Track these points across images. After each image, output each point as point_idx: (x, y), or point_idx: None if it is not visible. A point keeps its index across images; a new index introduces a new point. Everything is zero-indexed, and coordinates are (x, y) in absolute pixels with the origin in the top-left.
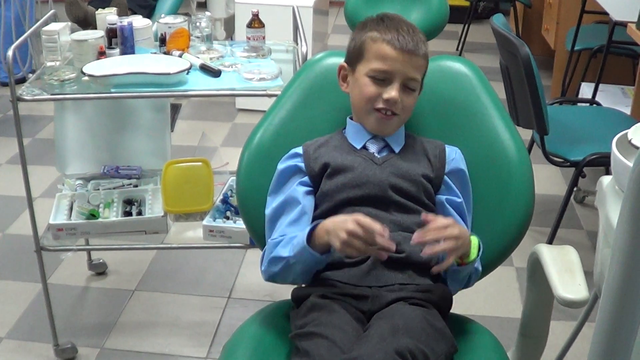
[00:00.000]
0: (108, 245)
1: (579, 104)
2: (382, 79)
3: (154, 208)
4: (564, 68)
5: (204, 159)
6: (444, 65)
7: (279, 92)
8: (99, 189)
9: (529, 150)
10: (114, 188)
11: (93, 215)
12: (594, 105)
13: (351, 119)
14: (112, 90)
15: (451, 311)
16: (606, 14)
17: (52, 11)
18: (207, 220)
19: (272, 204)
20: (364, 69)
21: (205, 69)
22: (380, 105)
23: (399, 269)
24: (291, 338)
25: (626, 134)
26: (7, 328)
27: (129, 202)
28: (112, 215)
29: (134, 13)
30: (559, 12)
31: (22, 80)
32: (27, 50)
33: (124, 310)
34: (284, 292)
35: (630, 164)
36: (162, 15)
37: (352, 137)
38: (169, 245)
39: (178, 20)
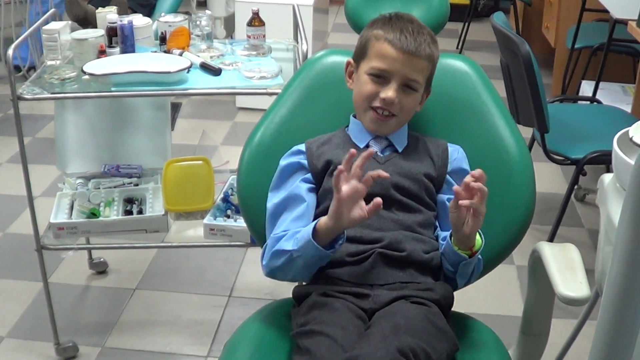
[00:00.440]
0: (109, 244)
1: (579, 102)
2: (381, 78)
3: (155, 207)
4: (565, 66)
5: (205, 157)
6: (444, 63)
7: (279, 91)
8: (99, 188)
9: (530, 148)
10: (115, 187)
11: (94, 214)
12: (595, 103)
13: (354, 117)
14: (113, 89)
15: (452, 309)
16: (606, 11)
17: (52, 10)
18: (208, 219)
19: (273, 199)
20: (365, 66)
21: (205, 67)
22: (377, 104)
23: (400, 268)
24: (292, 336)
25: (627, 131)
26: (8, 327)
27: (129, 201)
28: (113, 214)
29: (134, 12)
30: (559, 10)
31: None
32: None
33: (125, 309)
34: (285, 290)
35: (632, 162)
36: (163, 14)
37: (355, 135)
38: (170, 244)
39: (178, 19)
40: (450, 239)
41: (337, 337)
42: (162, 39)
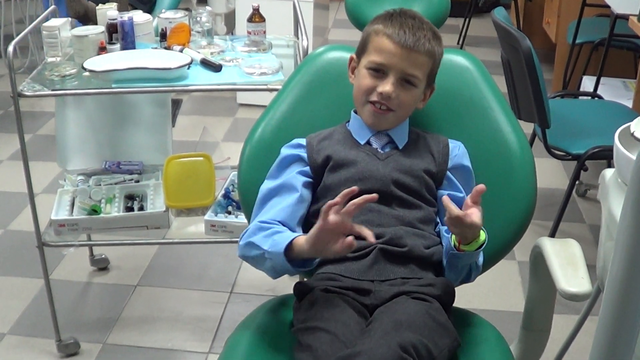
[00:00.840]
0: (110, 241)
1: (580, 97)
2: (379, 72)
3: (156, 203)
4: (566, 61)
5: (206, 154)
6: (445, 59)
7: (279, 87)
8: (100, 185)
9: (531, 143)
10: (116, 183)
11: (95, 211)
12: (596, 98)
13: (355, 112)
14: (113, 85)
15: (454, 305)
16: (607, 7)
17: (52, 7)
18: (209, 215)
19: (268, 185)
20: (365, 61)
21: (206, 63)
22: (374, 98)
23: (401, 263)
24: (293, 332)
25: (629, 126)
26: (9, 324)
27: (130, 198)
28: (114, 210)
29: (135, 8)
30: (560, 5)
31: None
32: None
33: (126, 305)
34: (286, 286)
35: (633, 157)
36: (163, 10)
37: (356, 131)
38: (171, 241)
39: (178, 15)
40: None
41: (338, 333)
42: (163, 36)
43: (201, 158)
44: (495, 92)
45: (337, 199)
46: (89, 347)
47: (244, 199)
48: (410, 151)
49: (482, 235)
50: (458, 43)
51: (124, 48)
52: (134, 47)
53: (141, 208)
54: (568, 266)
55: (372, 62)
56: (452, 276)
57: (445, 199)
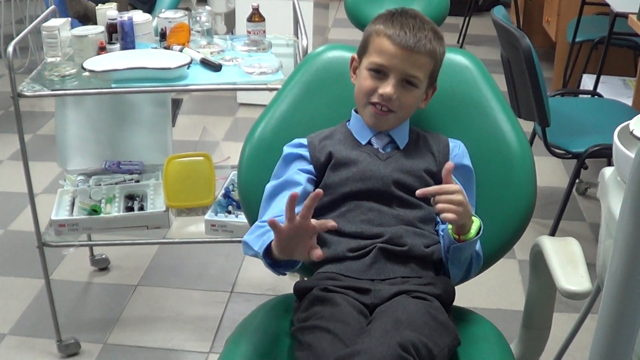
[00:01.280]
0: (110, 241)
1: (580, 96)
2: (380, 73)
3: (156, 203)
4: (565, 60)
5: (206, 153)
6: (445, 58)
7: (279, 86)
8: (100, 185)
9: (531, 142)
10: (116, 183)
11: (95, 211)
12: (596, 96)
13: (356, 111)
14: (113, 85)
15: (454, 304)
16: (607, 5)
17: (52, 7)
18: (209, 215)
19: (273, 183)
20: (366, 61)
21: (205, 63)
22: (375, 99)
23: (401, 262)
24: (293, 332)
25: (628, 125)
26: (10, 324)
27: (130, 198)
28: (114, 210)
29: (134, 8)
30: (560, 3)
31: None
32: None
33: (127, 305)
34: (287, 285)
35: (632, 155)
36: (163, 10)
37: (357, 131)
38: (171, 240)
39: (178, 15)
40: None
41: (338, 332)
42: (162, 35)
43: (201, 158)
44: (495, 90)
45: (295, 192)
46: (90, 347)
47: (244, 198)
48: (411, 151)
49: (476, 221)
50: (458, 42)
51: (123, 48)
52: (133, 47)
53: (141, 208)
54: (568, 264)
55: (373, 63)
56: (456, 272)
57: (420, 193)
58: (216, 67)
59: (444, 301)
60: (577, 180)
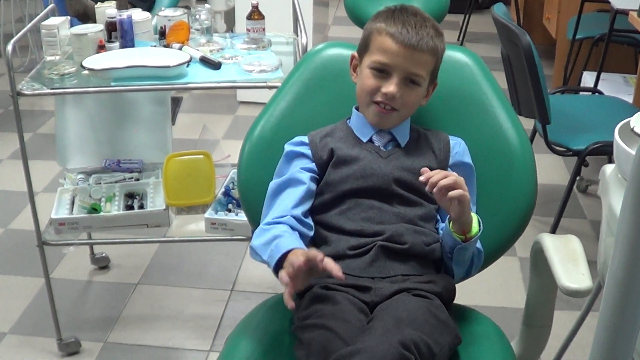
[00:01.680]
0: (110, 239)
1: (581, 93)
2: (382, 72)
3: (156, 201)
4: (566, 57)
5: (206, 151)
6: (445, 55)
7: (279, 84)
8: (100, 183)
9: (531, 139)
10: (116, 182)
11: (95, 209)
12: (596, 94)
13: (357, 109)
14: (112, 83)
15: (455, 302)
16: (607, 2)
17: (51, 5)
18: (209, 213)
19: (276, 181)
20: (367, 60)
21: (205, 61)
22: (378, 98)
23: (402, 260)
24: (294, 330)
25: (628, 122)
26: (10, 323)
27: (130, 196)
28: (114, 209)
29: (134, 6)
30: (560, 1)
31: None
32: None
33: (127, 304)
34: None
35: (633, 152)
36: (162, 8)
37: (358, 129)
38: (171, 239)
39: (177, 13)
40: (449, 223)
41: (339, 331)
42: (162, 34)
43: (201, 156)
44: (495, 88)
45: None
46: (90, 346)
47: (243, 196)
48: (412, 149)
49: (474, 215)
50: (458, 39)
51: (123, 46)
52: (133, 45)
53: (141, 206)
54: (569, 262)
55: (376, 62)
56: (460, 270)
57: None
58: (215, 65)
59: (445, 299)
60: (577, 178)
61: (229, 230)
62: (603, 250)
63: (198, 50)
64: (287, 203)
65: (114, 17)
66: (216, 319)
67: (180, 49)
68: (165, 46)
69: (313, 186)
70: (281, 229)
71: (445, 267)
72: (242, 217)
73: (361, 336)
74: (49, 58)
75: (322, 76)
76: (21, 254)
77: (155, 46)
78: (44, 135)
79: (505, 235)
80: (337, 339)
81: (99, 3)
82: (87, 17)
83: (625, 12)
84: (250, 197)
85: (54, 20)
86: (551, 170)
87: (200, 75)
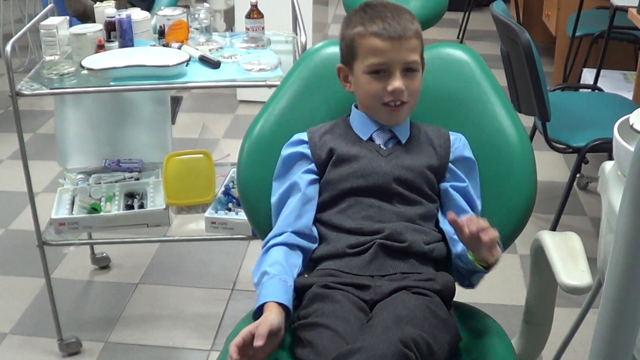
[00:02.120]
0: (110, 239)
1: (580, 90)
2: (381, 73)
3: (156, 201)
4: (565, 54)
5: (205, 151)
6: (444, 53)
7: (278, 83)
8: (100, 183)
9: (531, 137)
10: (116, 182)
11: (95, 209)
12: (596, 91)
13: (356, 107)
14: (112, 83)
15: (455, 299)
16: None
17: (50, 5)
18: (209, 212)
19: (278, 190)
20: (360, 66)
21: (204, 60)
22: (387, 99)
23: (401, 258)
24: (293, 329)
25: (628, 118)
26: (11, 324)
27: (130, 196)
28: (114, 208)
29: (133, 6)
30: None
31: None
32: None
33: (128, 303)
34: None
35: (632, 149)
36: (161, 8)
37: (358, 127)
38: (172, 238)
39: (177, 12)
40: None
41: (338, 329)
42: (161, 33)
43: (201, 155)
44: (495, 86)
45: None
46: (91, 346)
47: (243, 195)
48: (413, 146)
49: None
50: (458, 37)
51: (122, 46)
52: (132, 45)
53: (141, 206)
54: (568, 259)
55: (371, 66)
56: (464, 281)
57: (452, 219)
58: (215, 64)
59: (444, 297)
60: (577, 175)
61: (229, 229)
62: (603, 247)
63: (197, 49)
64: (288, 215)
65: (113, 17)
66: (217, 318)
67: (179, 48)
68: (164, 45)
69: (314, 190)
70: (274, 258)
71: (448, 270)
72: (242, 216)
73: (361, 334)
74: (48, 58)
75: (322, 75)
76: (22, 255)
77: (154, 45)
78: (43, 135)
79: (506, 232)
80: (337, 338)
81: (98, 3)
82: (86, 16)
83: (624, 9)
84: (250, 195)
85: (53, 20)
86: (551, 168)
87: (199, 75)
